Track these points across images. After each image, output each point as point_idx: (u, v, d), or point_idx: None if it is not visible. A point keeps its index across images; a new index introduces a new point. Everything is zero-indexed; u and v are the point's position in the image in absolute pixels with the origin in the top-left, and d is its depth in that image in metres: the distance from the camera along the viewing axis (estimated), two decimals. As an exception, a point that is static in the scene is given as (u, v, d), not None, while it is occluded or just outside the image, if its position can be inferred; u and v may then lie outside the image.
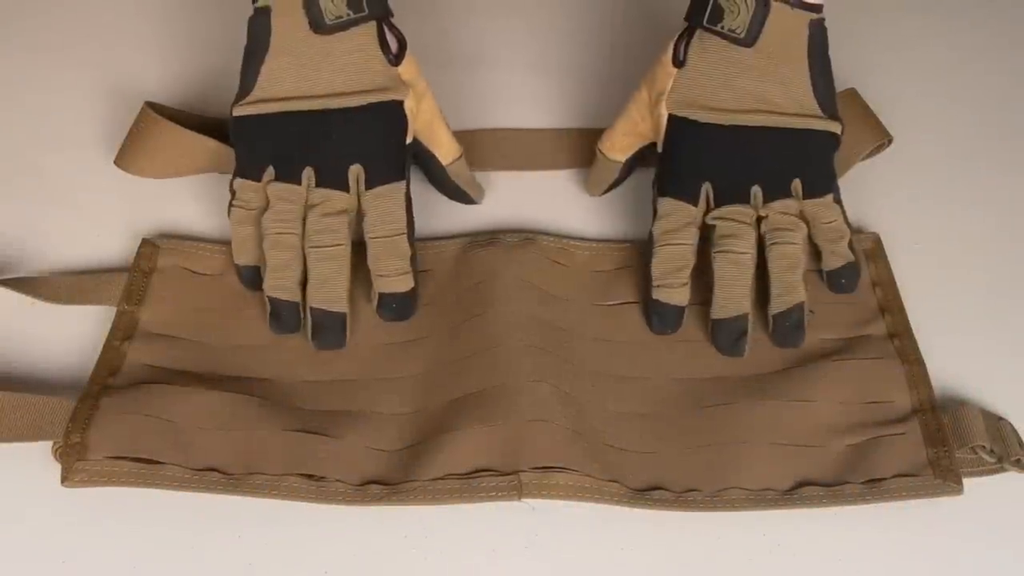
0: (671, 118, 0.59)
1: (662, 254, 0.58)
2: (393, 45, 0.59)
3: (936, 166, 0.67)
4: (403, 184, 0.58)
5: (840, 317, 0.59)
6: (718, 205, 0.58)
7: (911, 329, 0.58)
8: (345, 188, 0.58)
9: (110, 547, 0.51)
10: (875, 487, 0.52)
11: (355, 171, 0.58)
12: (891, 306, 0.59)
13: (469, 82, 0.72)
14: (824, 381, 0.55)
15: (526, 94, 0.71)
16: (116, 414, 0.53)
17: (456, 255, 0.61)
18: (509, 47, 0.74)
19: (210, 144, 0.64)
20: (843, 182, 0.63)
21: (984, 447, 0.52)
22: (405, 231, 0.58)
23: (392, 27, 0.60)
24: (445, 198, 0.65)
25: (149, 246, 0.61)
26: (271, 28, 0.58)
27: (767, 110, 0.58)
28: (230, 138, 0.60)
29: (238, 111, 0.59)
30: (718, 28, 0.58)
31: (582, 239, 0.62)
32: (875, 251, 0.62)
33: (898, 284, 0.60)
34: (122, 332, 0.58)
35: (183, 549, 0.51)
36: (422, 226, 0.63)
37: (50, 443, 0.53)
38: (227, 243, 0.62)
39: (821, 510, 0.51)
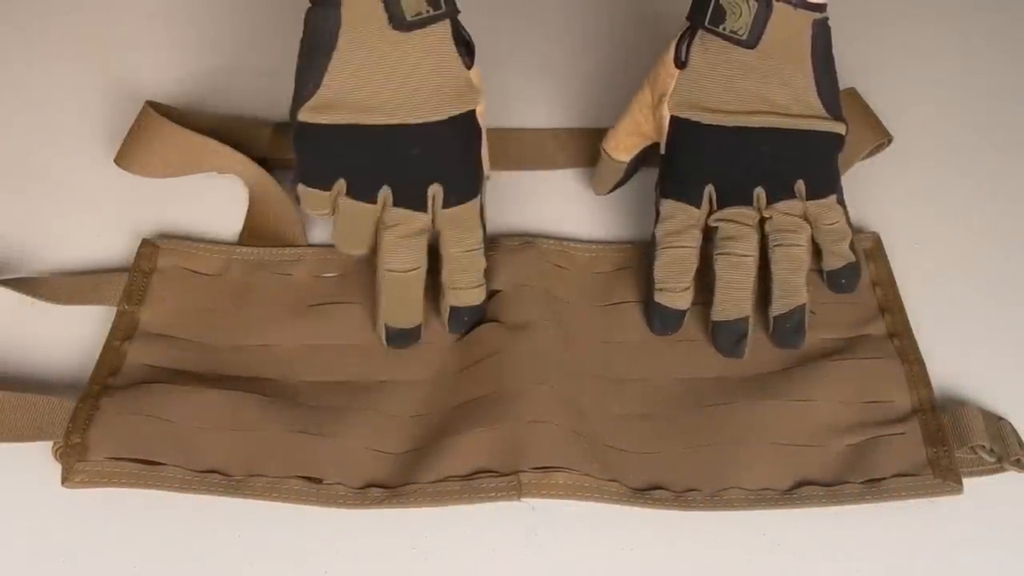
0: (673, 119, 0.59)
1: (665, 257, 0.58)
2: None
3: (936, 166, 0.67)
4: (479, 200, 0.58)
5: (840, 317, 0.59)
6: (721, 207, 0.58)
7: (911, 329, 0.58)
8: (423, 207, 0.56)
9: (110, 547, 0.51)
10: (875, 487, 0.52)
11: (434, 190, 0.56)
12: (891, 306, 0.59)
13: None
14: (824, 381, 0.55)
15: (526, 94, 0.71)
16: (116, 414, 0.53)
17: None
18: (509, 46, 0.74)
19: (211, 144, 0.64)
20: (843, 181, 0.63)
21: (984, 447, 0.52)
22: (481, 246, 0.57)
23: (461, 26, 0.57)
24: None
25: (149, 246, 0.61)
26: (340, 22, 0.55)
27: (770, 111, 0.58)
28: (294, 143, 0.57)
29: (306, 116, 0.55)
30: (720, 29, 0.58)
31: (582, 241, 0.62)
32: (875, 251, 0.62)
33: (898, 284, 0.60)
34: (122, 332, 0.58)
35: (183, 549, 0.51)
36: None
37: (50, 443, 0.53)
38: (227, 243, 0.62)
39: (821, 510, 0.51)
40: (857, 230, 0.62)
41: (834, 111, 0.59)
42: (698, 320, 0.58)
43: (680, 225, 0.58)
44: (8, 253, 0.62)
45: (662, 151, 0.60)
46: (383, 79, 0.55)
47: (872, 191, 0.65)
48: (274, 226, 0.63)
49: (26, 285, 0.59)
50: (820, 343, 0.58)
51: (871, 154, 0.66)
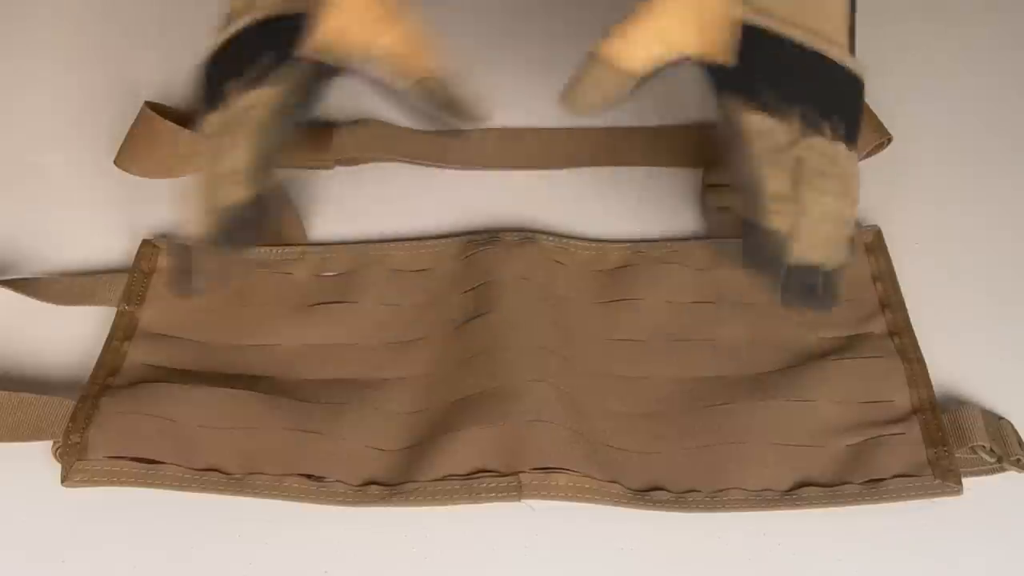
0: (748, 28, 0.51)
1: (775, 172, 0.50)
2: None
3: (936, 165, 0.67)
4: None
5: (840, 315, 0.58)
6: (802, 136, 0.51)
7: (912, 327, 0.58)
8: None
9: (110, 547, 0.51)
10: (875, 487, 0.52)
11: None
12: (892, 302, 0.59)
13: (470, 81, 0.72)
14: (824, 381, 0.55)
15: (526, 93, 0.71)
16: (116, 413, 0.53)
17: (455, 255, 0.61)
18: (509, 45, 0.74)
19: (210, 144, 0.64)
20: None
21: (984, 447, 0.52)
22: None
23: None
24: (442, 196, 0.65)
25: (149, 247, 0.61)
26: None
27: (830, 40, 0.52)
28: None
29: None
30: None
31: (582, 239, 0.62)
32: (876, 244, 0.62)
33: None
34: (122, 332, 0.58)
35: (183, 548, 0.51)
36: (421, 225, 0.63)
37: (50, 443, 0.53)
38: (227, 243, 0.62)
39: (821, 510, 0.51)
40: (857, 224, 0.62)
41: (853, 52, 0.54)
42: (698, 320, 0.58)
43: (780, 142, 0.50)
44: (8, 254, 0.62)
45: (731, 61, 0.51)
46: None
47: (872, 190, 0.65)
48: (274, 226, 0.63)
49: (26, 286, 0.59)
50: (820, 342, 0.57)
51: (871, 154, 0.66)
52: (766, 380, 0.56)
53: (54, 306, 0.59)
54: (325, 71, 0.54)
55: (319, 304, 0.59)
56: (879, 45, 0.74)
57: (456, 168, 0.67)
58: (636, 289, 0.60)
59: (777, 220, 0.51)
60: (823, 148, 0.51)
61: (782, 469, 0.52)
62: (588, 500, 0.51)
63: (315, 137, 0.67)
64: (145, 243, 0.61)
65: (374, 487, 0.52)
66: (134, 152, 0.65)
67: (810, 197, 0.51)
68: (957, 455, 0.52)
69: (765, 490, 0.52)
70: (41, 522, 0.51)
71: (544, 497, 0.51)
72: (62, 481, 0.52)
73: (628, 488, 0.52)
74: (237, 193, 0.54)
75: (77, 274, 0.61)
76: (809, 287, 0.53)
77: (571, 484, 0.51)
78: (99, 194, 0.65)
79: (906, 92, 0.71)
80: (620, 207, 0.65)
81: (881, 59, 0.72)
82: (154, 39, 0.74)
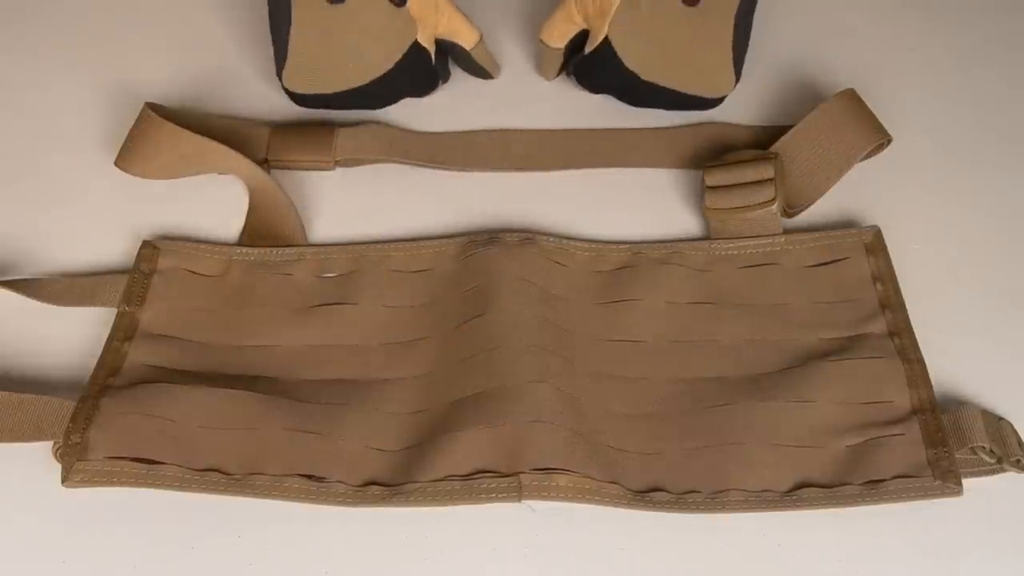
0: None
1: None
2: None
3: (936, 165, 0.67)
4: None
5: (840, 316, 0.59)
6: None
7: (911, 327, 0.58)
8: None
9: (110, 547, 0.51)
10: (875, 488, 0.52)
11: None
12: (891, 302, 0.59)
13: (471, 82, 0.72)
14: (824, 381, 0.55)
15: (527, 94, 0.71)
16: (116, 414, 0.53)
17: (456, 254, 0.61)
18: (510, 46, 0.74)
19: (210, 145, 0.64)
20: (843, 181, 0.63)
21: (984, 448, 0.52)
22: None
23: None
24: (442, 198, 0.65)
25: (150, 247, 0.61)
26: (291, 2, 0.64)
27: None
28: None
29: (287, 84, 0.67)
30: None
31: (582, 239, 0.62)
32: (875, 244, 0.62)
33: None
34: (123, 333, 0.58)
35: (183, 549, 0.51)
36: (421, 226, 0.64)
37: (50, 443, 0.53)
38: (227, 244, 0.62)
39: (821, 511, 0.51)
40: (857, 224, 0.62)
41: (737, 73, 0.65)
42: (698, 321, 0.58)
43: None
44: (9, 254, 0.62)
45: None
46: (337, 48, 0.65)
47: (872, 191, 0.65)
48: (274, 226, 0.63)
49: (27, 286, 0.59)
50: (820, 343, 0.57)
51: (871, 154, 0.66)
52: (766, 381, 0.56)
53: (54, 306, 0.59)
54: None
55: (319, 305, 0.59)
56: (879, 45, 0.74)
57: (456, 169, 0.67)
58: (636, 290, 0.60)
59: None
60: None
61: (782, 470, 0.52)
62: (588, 501, 0.51)
63: (316, 138, 0.67)
64: (145, 244, 0.61)
65: (374, 487, 0.52)
66: (134, 152, 0.65)
67: None
68: (957, 456, 0.52)
69: (765, 491, 0.52)
70: (41, 522, 0.51)
71: (544, 498, 0.51)
72: (62, 481, 0.52)
73: (628, 489, 0.52)
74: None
75: (77, 274, 0.61)
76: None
77: (571, 485, 0.51)
78: (99, 194, 0.65)
79: (906, 92, 0.71)
80: (620, 207, 0.65)
81: (881, 59, 0.73)
82: (154, 39, 0.75)
